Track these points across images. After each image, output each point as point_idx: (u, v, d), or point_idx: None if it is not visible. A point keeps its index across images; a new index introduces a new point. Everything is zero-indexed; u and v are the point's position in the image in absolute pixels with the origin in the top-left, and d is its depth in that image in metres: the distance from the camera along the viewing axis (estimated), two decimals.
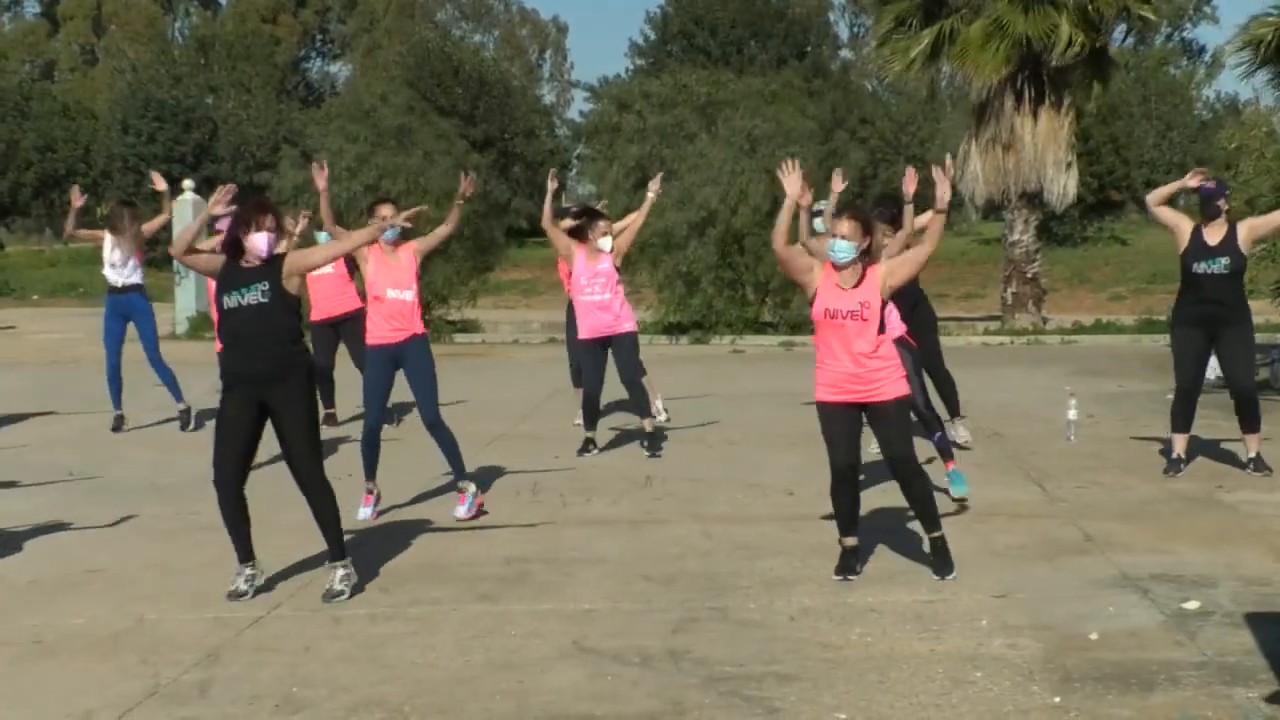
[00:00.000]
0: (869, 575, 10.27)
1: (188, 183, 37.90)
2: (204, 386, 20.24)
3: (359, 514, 12.48)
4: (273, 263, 9.90)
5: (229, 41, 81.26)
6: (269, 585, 10.23)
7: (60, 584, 10.47)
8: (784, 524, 12.00)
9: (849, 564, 10.39)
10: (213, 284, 10.04)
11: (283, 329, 9.92)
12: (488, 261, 35.63)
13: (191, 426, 18.11)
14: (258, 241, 9.85)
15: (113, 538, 11.98)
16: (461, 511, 12.53)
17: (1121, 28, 33.38)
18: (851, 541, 10.44)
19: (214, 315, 11.40)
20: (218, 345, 11.00)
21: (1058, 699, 7.62)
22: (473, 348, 30.37)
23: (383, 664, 8.39)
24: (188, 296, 35.09)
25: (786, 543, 11.33)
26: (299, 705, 7.70)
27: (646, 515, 12.56)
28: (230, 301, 9.86)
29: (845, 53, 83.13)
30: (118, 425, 18.25)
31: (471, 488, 12.70)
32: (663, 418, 17.61)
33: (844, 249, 10.09)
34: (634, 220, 16.85)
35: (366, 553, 11.18)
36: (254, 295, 9.81)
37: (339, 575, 10.07)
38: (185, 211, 35.76)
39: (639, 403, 16.20)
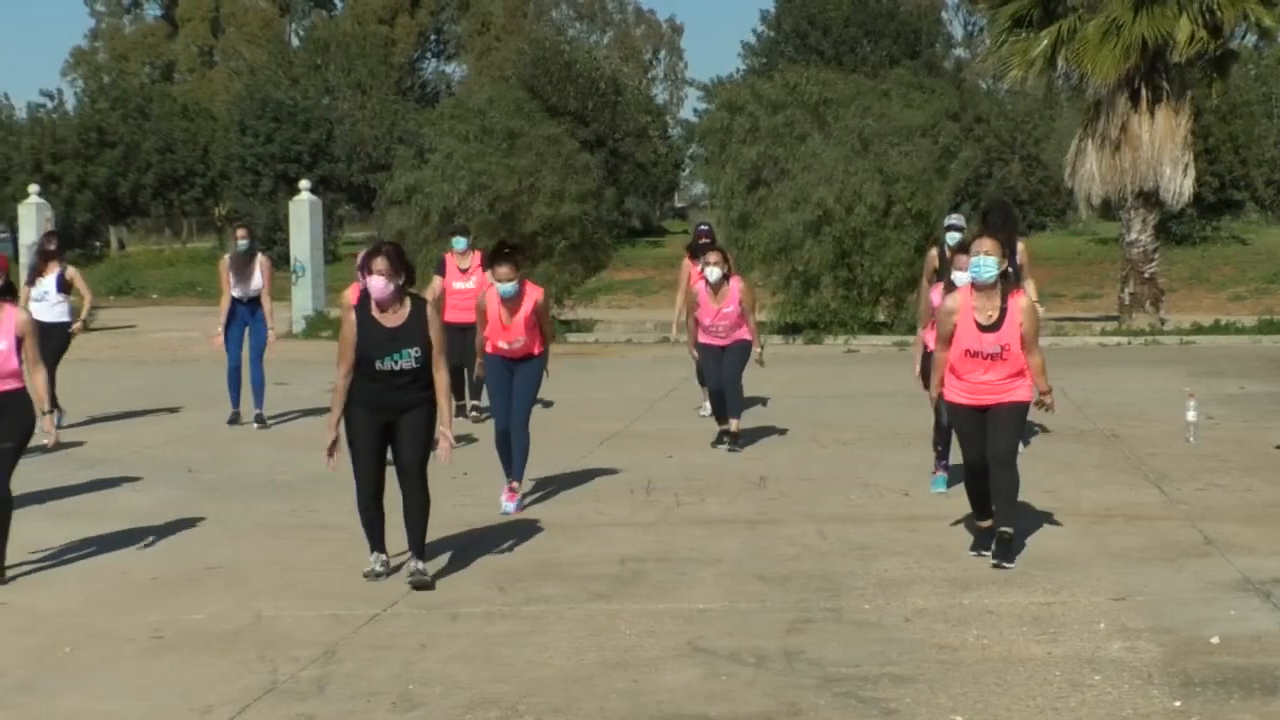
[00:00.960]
0: (985, 577, 10.21)
1: (304, 183, 38.21)
2: (319, 385, 20.44)
3: (503, 508, 12.84)
4: (417, 315, 10.32)
5: (345, 42, 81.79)
6: (386, 584, 10.28)
7: (181, 580, 10.58)
8: (899, 524, 11.95)
9: (984, 541, 10.90)
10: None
11: (424, 380, 10.37)
12: (598, 261, 35.69)
13: (241, 423, 18.79)
14: (374, 284, 10.23)
15: (232, 534, 12.10)
16: (510, 508, 12.86)
17: (1241, 27, 32.85)
18: (986, 523, 10.93)
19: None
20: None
21: (1178, 703, 7.53)
22: (585, 347, 30.43)
23: (498, 662, 8.41)
24: (304, 296, 35.39)
25: (902, 543, 11.28)
26: (415, 702, 7.74)
27: (761, 515, 12.53)
28: (383, 366, 10.24)
29: (959, 51, 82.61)
30: (233, 420, 18.85)
31: (521, 490, 13.13)
32: (705, 412, 17.96)
33: (987, 265, 10.40)
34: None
35: (482, 552, 11.23)
36: (407, 361, 10.24)
37: (418, 565, 10.39)
38: (302, 211, 36.11)
39: (731, 402, 16.35)
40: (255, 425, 18.64)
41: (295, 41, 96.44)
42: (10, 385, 10.88)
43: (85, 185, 66.98)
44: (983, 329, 10.50)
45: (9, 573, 10.68)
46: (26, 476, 12.89)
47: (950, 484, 13.42)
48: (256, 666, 8.42)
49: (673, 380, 22.59)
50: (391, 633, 9.08)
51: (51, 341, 18.04)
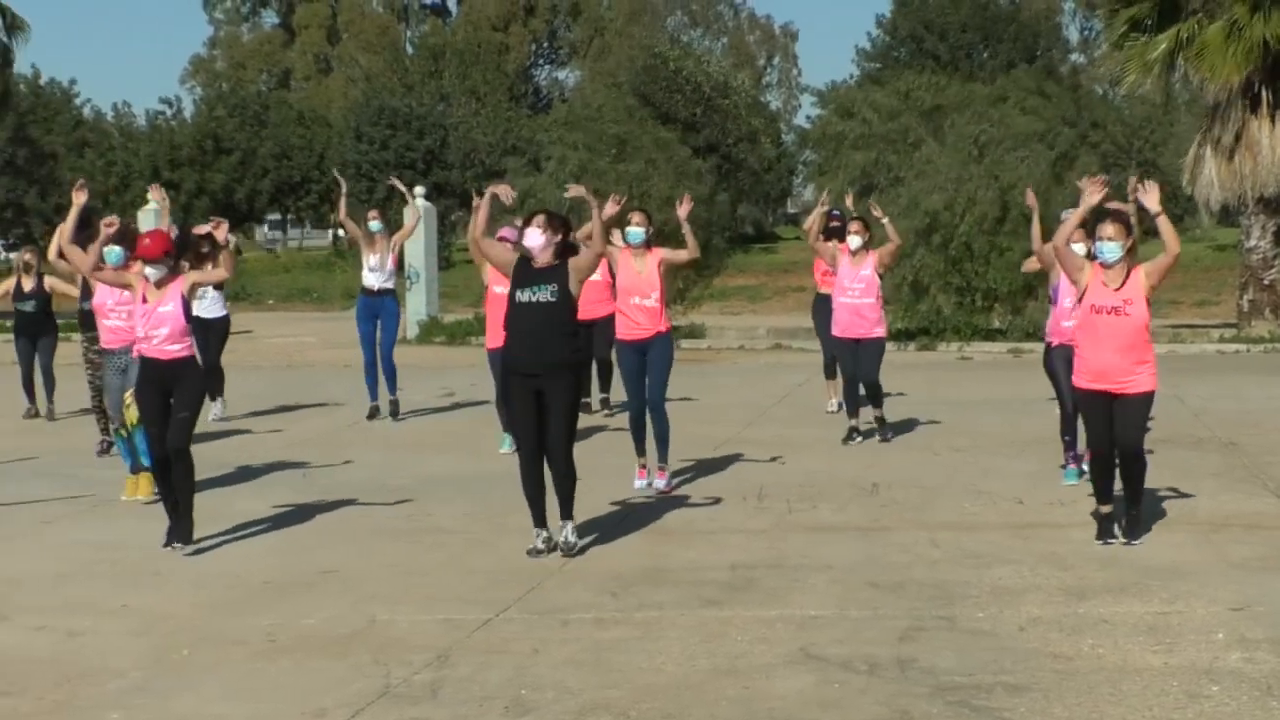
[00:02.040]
0: (1100, 585, 10.10)
1: (419, 189, 38.43)
2: (432, 390, 20.55)
3: (635, 484, 13.78)
4: (561, 266, 11.19)
5: (460, 49, 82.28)
6: (499, 588, 10.31)
7: (295, 583, 10.66)
8: (1013, 532, 11.85)
9: (1107, 529, 11.42)
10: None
11: (565, 327, 11.22)
12: (711, 267, 35.66)
13: (399, 418, 19.49)
14: (530, 237, 11.22)
15: (346, 538, 12.16)
16: (661, 484, 13.92)
17: None
18: (1108, 508, 11.44)
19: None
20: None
21: None
22: (698, 353, 30.40)
23: (609, 668, 8.41)
24: (418, 301, 35.56)
25: (1016, 551, 11.19)
26: (527, 707, 7.75)
27: (873, 522, 12.47)
28: (523, 296, 11.15)
29: (1075, 56, 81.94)
30: (373, 414, 19.55)
31: (669, 469, 14.10)
32: (832, 408, 18.80)
33: (1111, 249, 11.10)
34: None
35: (593, 557, 11.25)
36: (544, 294, 11.10)
37: (570, 528, 11.36)
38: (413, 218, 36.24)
39: (874, 399, 16.92)
40: (390, 417, 19.36)
41: (410, 49, 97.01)
42: (183, 351, 11.74)
43: (202, 191, 67.84)
44: (1107, 286, 11.19)
45: (201, 541, 11.70)
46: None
47: (1081, 475, 13.54)
48: (370, 670, 8.46)
49: (786, 386, 22.55)
50: (504, 637, 9.10)
51: (214, 336, 19.04)
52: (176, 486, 11.70)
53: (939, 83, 36.51)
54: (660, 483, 13.98)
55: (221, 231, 12.30)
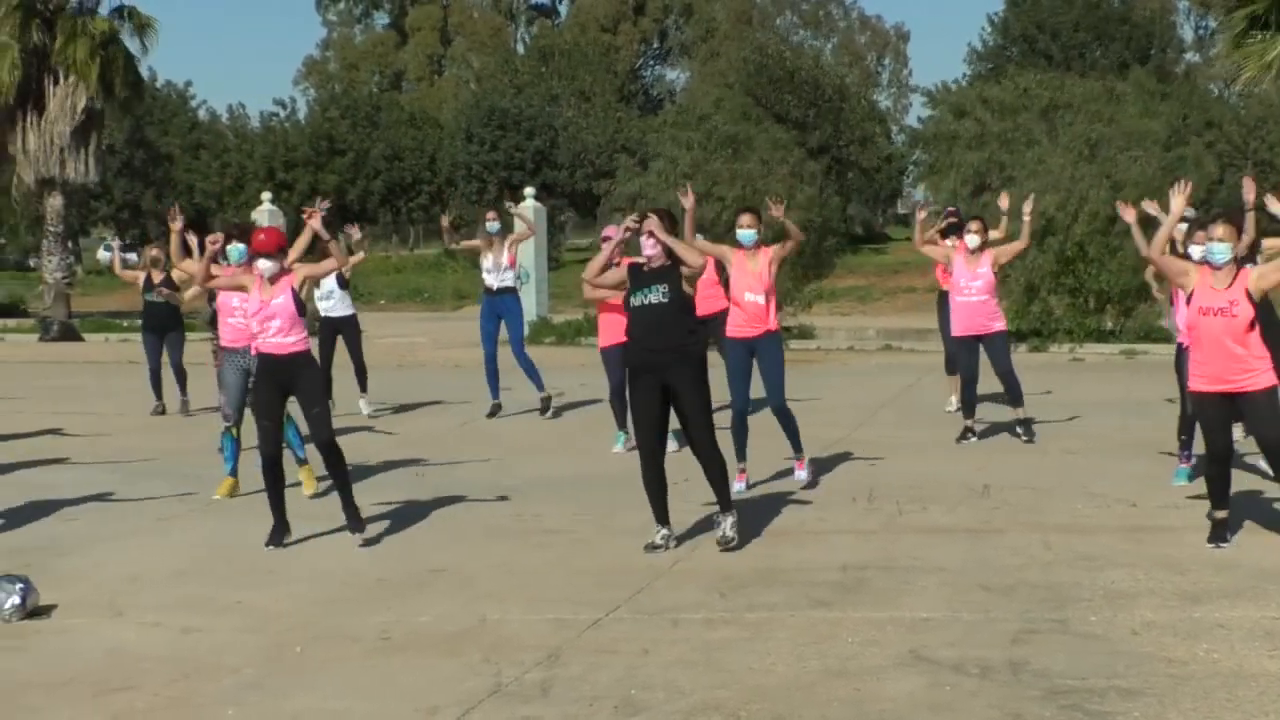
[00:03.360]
0: (1215, 590, 10.00)
1: (528, 189, 38.60)
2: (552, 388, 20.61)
3: (734, 487, 13.32)
4: (672, 267, 11.38)
5: (569, 50, 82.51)
6: (609, 588, 10.34)
7: (407, 582, 10.73)
8: (1126, 535, 11.75)
9: (1220, 534, 11.33)
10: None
11: (681, 323, 11.36)
12: (822, 268, 35.57)
13: (550, 414, 19.82)
14: (645, 242, 11.47)
15: (456, 537, 12.23)
16: (804, 476, 14.28)
17: None
18: (1222, 514, 11.35)
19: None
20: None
21: None
22: (808, 354, 30.34)
23: (719, 668, 8.41)
24: (528, 302, 35.60)
25: (1129, 554, 11.10)
26: (638, 707, 7.77)
27: (984, 524, 12.41)
28: (636, 300, 11.39)
29: (1190, 55, 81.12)
30: (494, 412, 19.88)
31: (807, 459, 14.40)
32: (951, 408, 18.86)
33: (1221, 250, 11.06)
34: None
35: (703, 557, 11.26)
36: (656, 295, 11.31)
37: (729, 523, 11.49)
38: (527, 218, 36.41)
39: (1012, 393, 17.02)
40: (540, 412, 19.77)
41: (520, 50, 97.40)
42: (298, 344, 11.91)
43: (315, 192, 68.21)
44: (1215, 288, 11.12)
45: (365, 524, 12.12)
46: (256, 477, 13.17)
47: (1192, 477, 13.49)
48: (481, 669, 8.51)
49: (896, 387, 22.48)
50: (614, 637, 9.12)
51: (349, 335, 19.87)
52: (334, 478, 12.09)
53: (1054, 81, 36.24)
54: (803, 474, 14.29)
55: (315, 221, 12.39)
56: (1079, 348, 29.89)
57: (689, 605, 9.86)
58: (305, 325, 12.04)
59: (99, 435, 19.00)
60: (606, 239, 16.26)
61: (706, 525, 12.11)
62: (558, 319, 36.91)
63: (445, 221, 20.44)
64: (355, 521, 11.98)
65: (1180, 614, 9.40)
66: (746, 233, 14.03)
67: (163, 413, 20.59)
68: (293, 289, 11.86)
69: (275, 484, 11.87)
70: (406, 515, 13.14)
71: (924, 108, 63.39)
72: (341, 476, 12.02)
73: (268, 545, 11.80)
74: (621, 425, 16.54)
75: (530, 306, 35.40)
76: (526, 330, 33.70)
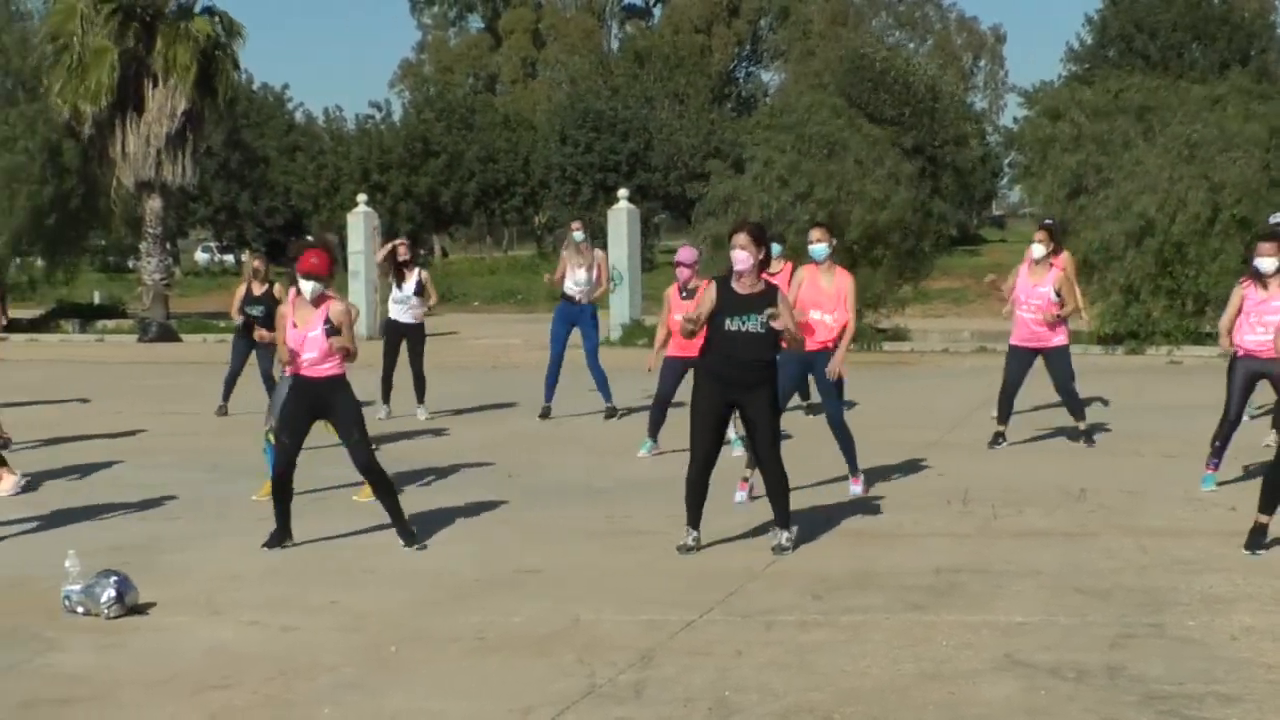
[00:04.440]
0: None
1: (622, 192, 38.64)
2: (635, 393, 20.64)
3: (735, 497, 13.55)
4: (769, 293, 11.40)
5: (664, 52, 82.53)
6: (702, 590, 10.34)
7: (500, 582, 10.77)
8: (1224, 540, 11.64)
9: (1257, 540, 11.30)
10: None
11: (771, 351, 11.43)
12: (917, 270, 35.42)
13: (551, 418, 19.90)
14: (738, 259, 11.26)
15: (548, 538, 12.27)
16: (858, 490, 13.99)
17: None
18: (1264, 520, 11.31)
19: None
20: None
21: None
22: (902, 356, 30.24)
23: (813, 671, 8.40)
24: (621, 304, 35.79)
25: (1227, 559, 11.00)
26: (731, 709, 7.76)
27: (1080, 528, 12.33)
28: (732, 326, 11.25)
29: None
30: (544, 414, 19.97)
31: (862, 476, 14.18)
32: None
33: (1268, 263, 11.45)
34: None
35: (797, 560, 11.25)
36: (753, 324, 11.25)
37: (784, 536, 11.54)
38: (620, 220, 36.53)
39: (1072, 408, 16.91)
40: (605, 416, 19.88)
41: (614, 51, 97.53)
42: (332, 370, 11.84)
43: (409, 194, 68.68)
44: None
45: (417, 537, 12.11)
46: (350, 478, 13.25)
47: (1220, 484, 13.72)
48: (574, 669, 8.53)
49: (990, 389, 22.30)
50: (707, 639, 9.12)
51: (413, 343, 19.88)
52: (382, 501, 12.10)
53: (1149, 82, 35.96)
54: (856, 489, 14.00)
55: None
56: (1177, 350, 29.63)
57: (783, 607, 9.84)
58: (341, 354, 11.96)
59: (196, 435, 19.18)
60: (681, 264, 16.29)
61: (803, 528, 12.08)
62: (650, 321, 36.91)
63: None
64: (406, 534, 12.02)
65: (1279, 619, 9.32)
66: (818, 247, 13.88)
67: (224, 414, 20.68)
68: (327, 319, 11.79)
69: (284, 498, 11.95)
70: (499, 516, 13.19)
71: (1020, 108, 63.15)
72: (388, 496, 12.06)
73: (264, 546, 11.88)
74: (653, 435, 16.60)
75: (623, 309, 35.56)
76: (620, 333, 33.95)
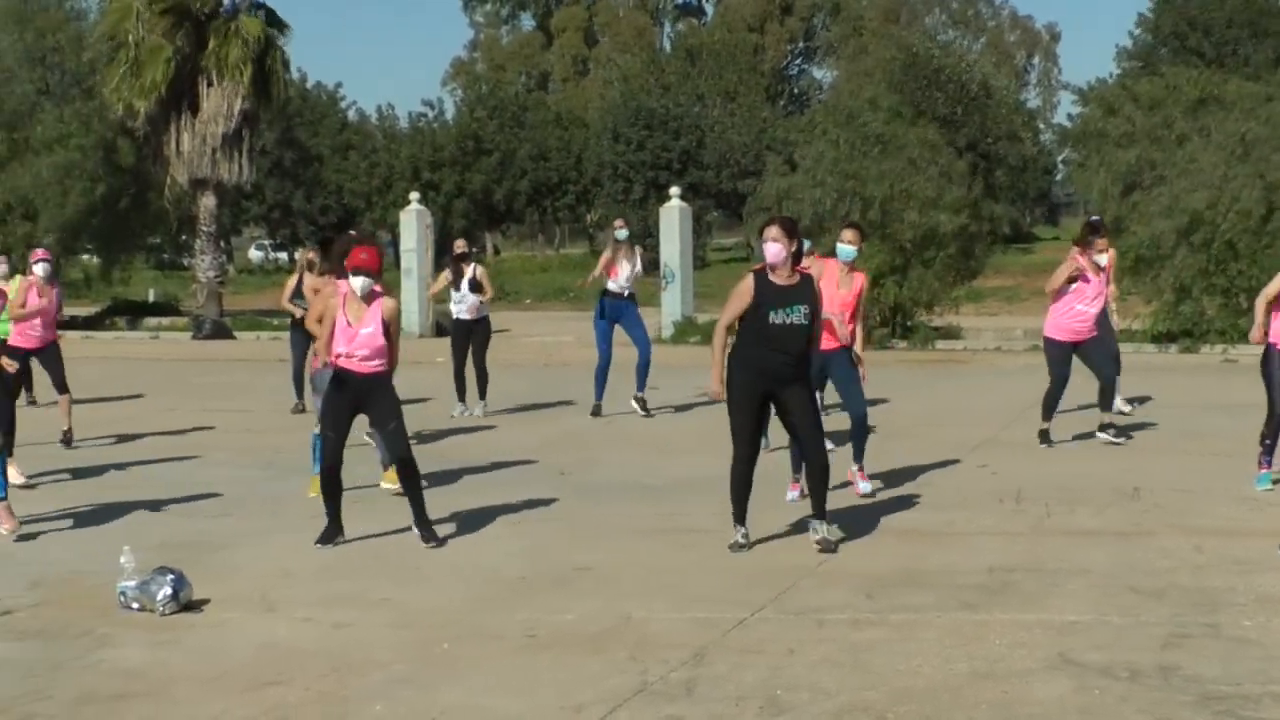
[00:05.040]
0: None
1: (674, 189, 38.63)
2: (688, 390, 20.65)
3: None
4: (807, 284, 11.46)
5: (715, 50, 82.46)
6: (754, 588, 10.33)
7: (551, 580, 10.78)
8: None
9: None
10: None
11: (806, 344, 11.47)
12: (971, 268, 35.30)
13: (648, 414, 19.93)
14: (771, 251, 11.36)
15: (599, 535, 12.28)
16: (866, 488, 13.87)
17: None
18: None
19: None
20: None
21: None
22: (954, 354, 30.16)
23: (866, 669, 8.38)
24: (673, 301, 35.80)
25: None
26: (783, 708, 7.75)
27: (1134, 527, 12.28)
28: (776, 318, 11.27)
29: None
30: (596, 412, 20.02)
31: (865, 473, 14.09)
32: (1126, 409, 18.94)
33: None
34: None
35: (848, 558, 11.23)
36: (797, 316, 11.31)
37: (826, 528, 11.60)
38: (672, 217, 36.53)
39: (1104, 400, 17.05)
40: (635, 407, 19.91)
41: (666, 49, 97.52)
42: (378, 367, 11.91)
43: (462, 192, 68.81)
44: None
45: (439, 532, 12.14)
46: (376, 476, 13.30)
47: (1277, 483, 13.59)
48: (626, 667, 8.53)
49: (1043, 388, 22.24)
50: (759, 637, 9.12)
51: (477, 338, 20.10)
52: (407, 491, 12.13)
53: (1204, 77, 35.76)
54: (866, 486, 13.92)
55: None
56: (1231, 349, 29.43)
57: (834, 606, 9.83)
58: (389, 353, 12.02)
59: (250, 432, 19.27)
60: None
61: (851, 527, 12.08)
62: (702, 318, 36.90)
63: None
64: (426, 530, 12.02)
65: None
66: (848, 248, 13.90)
67: (302, 411, 20.79)
68: (382, 319, 11.84)
69: (334, 492, 11.98)
70: (550, 513, 13.21)
71: (1073, 105, 62.81)
72: (415, 490, 12.08)
73: (317, 543, 11.93)
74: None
75: (675, 306, 35.57)
76: (672, 330, 33.97)
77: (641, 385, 19.98)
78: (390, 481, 13.84)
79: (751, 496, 11.62)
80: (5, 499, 12.46)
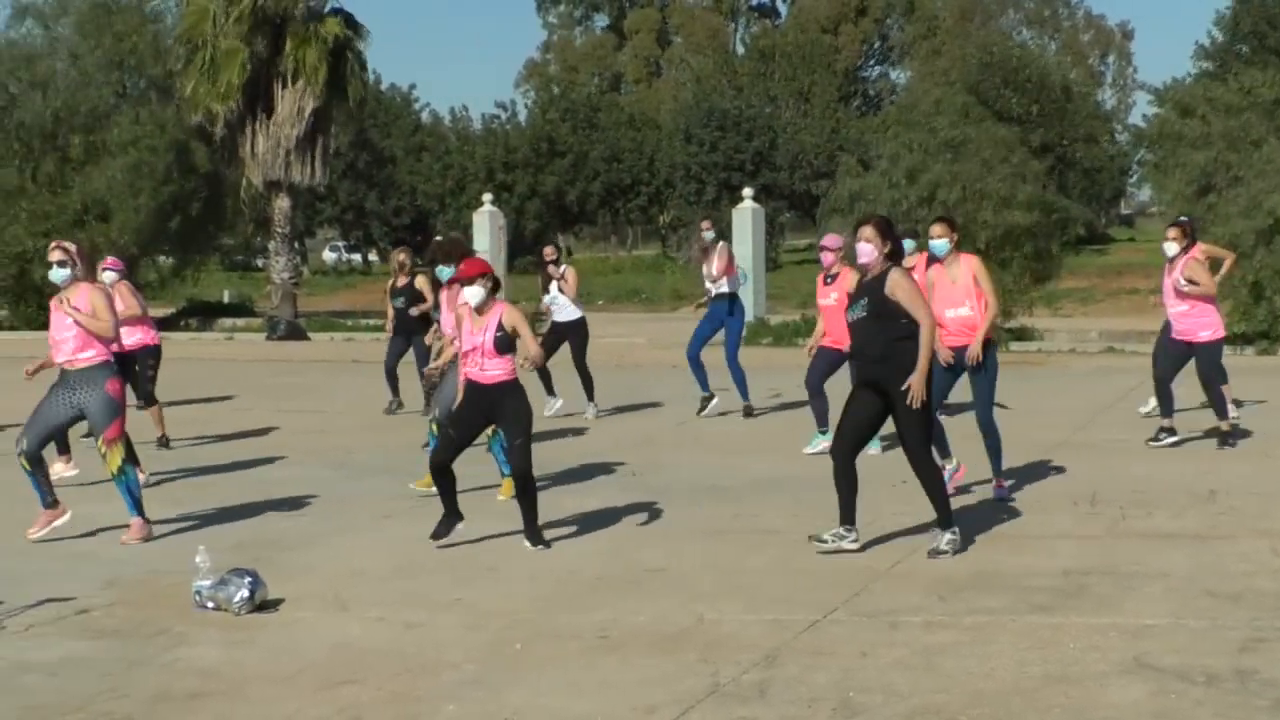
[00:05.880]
0: None
1: (747, 190, 38.63)
2: (761, 391, 20.61)
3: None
4: (879, 280, 11.29)
5: (789, 51, 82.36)
6: (826, 589, 10.30)
7: (624, 581, 10.78)
8: None
9: None
10: None
11: (882, 333, 11.23)
12: (1046, 270, 35.12)
13: (750, 415, 19.84)
14: (862, 252, 11.38)
15: (672, 537, 12.26)
16: (1003, 492, 13.68)
17: None
18: None
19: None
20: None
21: None
22: (1029, 356, 30.00)
23: (939, 672, 8.34)
24: (746, 304, 35.64)
25: None
26: (855, 710, 7.73)
27: (1211, 530, 12.17)
28: (851, 316, 11.49)
29: None
30: (703, 407, 20.16)
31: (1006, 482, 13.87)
32: (1145, 409, 18.88)
33: None
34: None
35: (921, 561, 11.18)
36: (858, 311, 11.38)
37: (945, 539, 11.33)
38: (745, 219, 36.52)
39: (1214, 403, 16.88)
40: (743, 415, 19.87)
41: (740, 50, 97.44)
42: (503, 374, 11.89)
43: (535, 194, 68.98)
44: None
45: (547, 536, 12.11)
46: (473, 477, 13.33)
47: None
48: (698, 668, 8.52)
49: (1120, 389, 22.13)
50: (832, 639, 9.09)
51: (575, 339, 20.44)
52: (522, 505, 12.02)
53: None
54: (1002, 491, 13.74)
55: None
56: None
57: (907, 608, 9.79)
58: (514, 355, 12.03)
59: (324, 433, 19.37)
60: (825, 248, 16.38)
61: (923, 528, 12.02)
62: (775, 320, 36.88)
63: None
64: (536, 537, 11.97)
65: None
66: (940, 243, 13.58)
67: (397, 409, 20.89)
68: (499, 323, 11.84)
69: (446, 485, 11.95)
70: (623, 515, 13.21)
71: (1148, 106, 62.42)
72: (530, 502, 12.02)
73: (431, 538, 11.94)
74: (821, 426, 16.50)
75: (748, 308, 35.46)
76: (745, 332, 33.93)
77: (743, 394, 19.94)
78: (424, 486, 13.80)
79: (828, 493, 11.56)
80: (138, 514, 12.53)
